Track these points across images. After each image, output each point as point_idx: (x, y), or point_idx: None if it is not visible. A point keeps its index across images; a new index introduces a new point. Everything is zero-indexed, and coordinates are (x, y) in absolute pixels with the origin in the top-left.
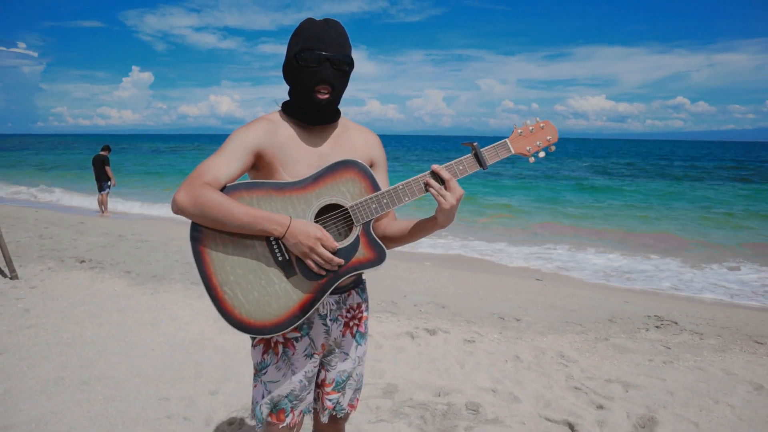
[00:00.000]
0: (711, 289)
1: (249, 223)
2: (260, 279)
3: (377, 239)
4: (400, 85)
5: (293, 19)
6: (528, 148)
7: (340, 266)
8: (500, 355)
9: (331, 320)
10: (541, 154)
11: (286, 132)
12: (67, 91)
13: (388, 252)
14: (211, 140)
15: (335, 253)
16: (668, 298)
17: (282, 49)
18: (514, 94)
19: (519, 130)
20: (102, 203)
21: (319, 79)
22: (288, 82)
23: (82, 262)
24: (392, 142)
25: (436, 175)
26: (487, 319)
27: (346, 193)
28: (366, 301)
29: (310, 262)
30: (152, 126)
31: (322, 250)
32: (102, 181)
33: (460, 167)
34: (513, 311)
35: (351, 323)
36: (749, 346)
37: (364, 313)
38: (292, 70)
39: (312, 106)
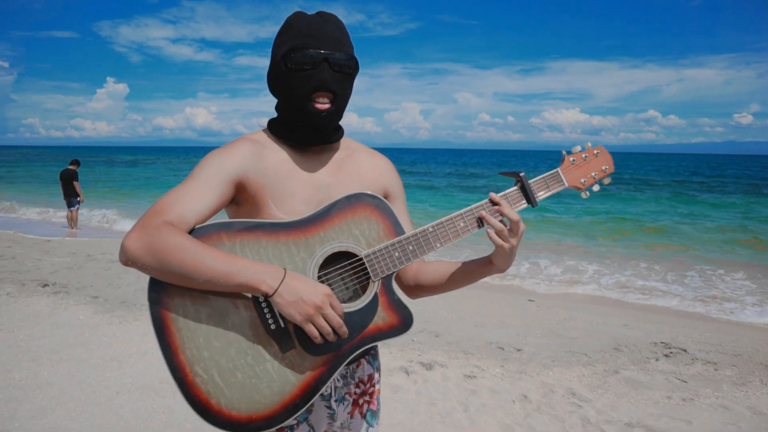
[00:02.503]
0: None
1: (226, 276)
2: (246, 355)
3: (401, 300)
4: (377, 98)
5: (271, 31)
6: (582, 180)
7: (354, 334)
8: (506, 394)
9: (336, 401)
10: (596, 188)
11: (277, 156)
12: (40, 102)
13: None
14: (187, 153)
15: (346, 318)
16: (667, 319)
17: (260, 62)
18: (491, 107)
19: (571, 158)
20: (71, 219)
21: (317, 84)
22: (275, 94)
23: (45, 286)
24: None
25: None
26: (486, 349)
27: (359, 237)
28: (379, 369)
29: (312, 330)
30: (128, 138)
31: (331, 312)
32: (71, 197)
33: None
34: (512, 339)
35: (361, 400)
36: None
37: (377, 386)
38: (280, 77)
39: (309, 120)
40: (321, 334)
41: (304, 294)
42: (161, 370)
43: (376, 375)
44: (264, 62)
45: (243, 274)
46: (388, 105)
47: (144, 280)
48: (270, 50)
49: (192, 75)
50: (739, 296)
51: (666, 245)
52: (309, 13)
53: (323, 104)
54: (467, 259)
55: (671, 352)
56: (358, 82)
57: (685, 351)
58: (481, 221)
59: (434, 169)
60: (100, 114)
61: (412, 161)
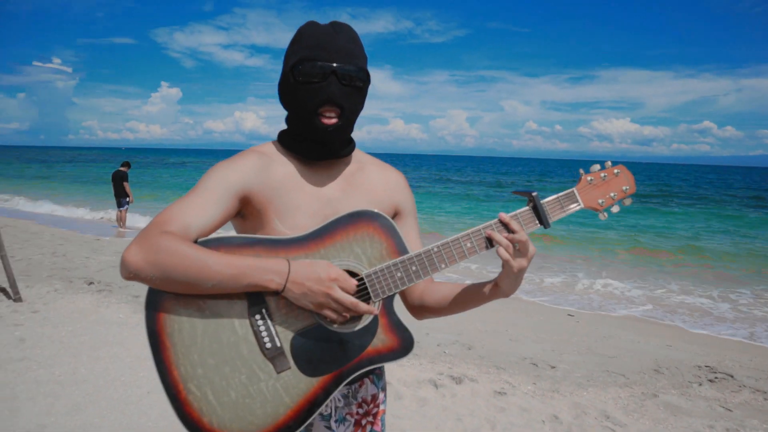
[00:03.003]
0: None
1: (233, 277)
2: (240, 374)
3: (401, 322)
4: (423, 104)
5: None
6: (600, 200)
7: (352, 356)
8: (536, 414)
9: (336, 421)
10: (615, 209)
11: (283, 169)
12: (98, 105)
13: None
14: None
15: (345, 338)
16: (714, 341)
17: None
18: (538, 115)
19: (589, 177)
20: (120, 219)
21: (324, 98)
22: (285, 105)
23: (90, 284)
24: (416, 161)
25: (501, 227)
26: (519, 365)
27: (361, 255)
28: (384, 389)
29: (330, 314)
30: (179, 140)
31: (341, 294)
32: (120, 197)
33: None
34: (546, 356)
35: (363, 421)
36: None
37: (381, 407)
38: (288, 88)
39: (315, 134)
40: (337, 314)
41: (311, 283)
42: None
43: (381, 395)
44: None
45: (250, 275)
46: (434, 112)
47: None
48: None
49: (242, 80)
50: None
51: (714, 264)
52: (322, 24)
53: (330, 119)
54: (473, 281)
55: (716, 377)
56: (406, 88)
57: (731, 377)
58: (489, 242)
59: (479, 176)
60: (154, 117)
61: (457, 168)
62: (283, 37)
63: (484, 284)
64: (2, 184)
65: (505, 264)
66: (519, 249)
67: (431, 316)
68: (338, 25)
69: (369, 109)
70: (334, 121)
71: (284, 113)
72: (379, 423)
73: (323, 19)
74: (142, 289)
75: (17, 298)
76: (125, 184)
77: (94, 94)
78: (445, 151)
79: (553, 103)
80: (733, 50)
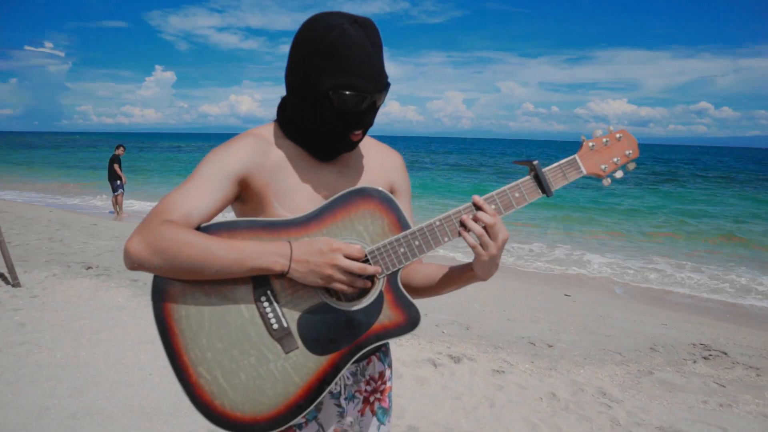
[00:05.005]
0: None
1: (237, 262)
2: (249, 356)
3: (407, 297)
4: (420, 86)
5: None
6: (603, 166)
7: (359, 333)
8: (534, 391)
9: (346, 399)
10: (619, 174)
11: (281, 152)
12: (92, 90)
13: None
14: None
15: (351, 316)
16: (709, 320)
17: None
18: (535, 96)
19: (590, 143)
20: (117, 204)
21: (357, 123)
22: (300, 105)
23: (89, 268)
24: (414, 143)
25: (475, 210)
26: (516, 344)
27: (363, 233)
28: (390, 365)
29: (339, 285)
30: (174, 125)
31: (346, 261)
32: (113, 181)
33: (516, 194)
34: (544, 335)
35: (371, 398)
36: None
37: (388, 383)
38: (318, 105)
39: (339, 147)
40: (349, 285)
41: (314, 258)
42: None
43: (388, 372)
44: None
45: (254, 258)
46: (431, 93)
47: None
48: (290, 45)
49: (237, 63)
50: None
51: (714, 242)
52: (353, 32)
53: (357, 135)
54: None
55: (710, 355)
56: (402, 70)
57: (725, 354)
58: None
59: (477, 158)
60: (148, 101)
61: (452, 150)
62: (278, 20)
63: (461, 268)
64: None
65: (474, 250)
66: (488, 234)
67: (416, 297)
68: (368, 28)
69: None
70: (360, 136)
71: (281, 97)
72: (387, 399)
73: (319, 0)
74: (141, 274)
75: (16, 284)
76: (115, 166)
77: (87, 79)
78: (442, 133)
79: (551, 84)
80: (732, 30)
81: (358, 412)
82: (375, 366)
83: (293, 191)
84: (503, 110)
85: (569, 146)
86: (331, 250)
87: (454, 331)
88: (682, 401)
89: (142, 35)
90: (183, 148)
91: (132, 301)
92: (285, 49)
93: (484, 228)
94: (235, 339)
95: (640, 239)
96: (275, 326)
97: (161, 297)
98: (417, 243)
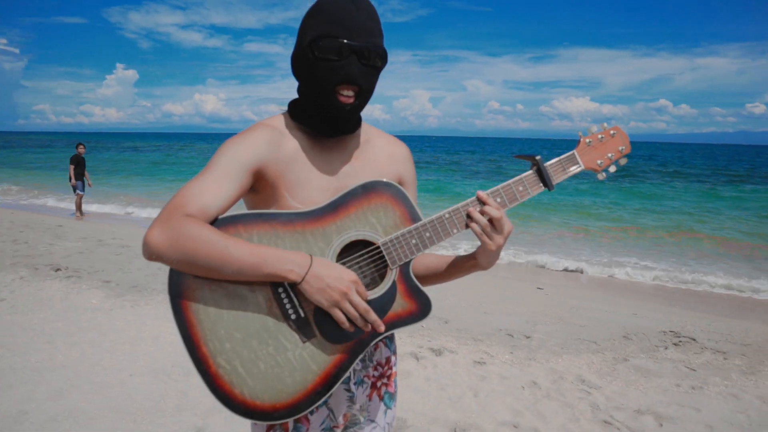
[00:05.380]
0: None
1: (254, 265)
2: (267, 345)
3: (419, 286)
4: (386, 85)
5: (280, 18)
6: (599, 161)
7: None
8: (515, 380)
9: (355, 384)
10: (612, 169)
11: (294, 144)
12: (50, 88)
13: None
14: (199, 139)
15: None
16: (676, 309)
17: (269, 49)
18: (500, 95)
19: (587, 139)
20: (77, 205)
21: (342, 77)
22: (299, 78)
23: (58, 270)
24: None
25: (480, 204)
26: (495, 336)
27: (376, 225)
28: (395, 352)
29: (339, 315)
30: (137, 124)
31: (357, 298)
32: (77, 181)
33: (520, 188)
34: (521, 327)
35: (379, 383)
36: None
37: (393, 369)
38: (305, 63)
39: (331, 111)
40: (349, 320)
41: (330, 281)
42: (173, 354)
43: (393, 358)
44: (273, 49)
45: (271, 264)
46: (398, 92)
47: (153, 266)
48: (297, 31)
49: (201, 61)
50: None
51: (671, 235)
52: None
53: (348, 97)
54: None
55: (680, 341)
56: None
57: (694, 340)
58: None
59: (443, 157)
60: (109, 100)
61: (420, 149)
62: (243, 18)
63: (464, 257)
64: None
65: (480, 240)
66: (495, 226)
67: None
68: (359, 0)
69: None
70: (351, 99)
71: (246, 96)
72: (393, 384)
73: None
74: (113, 275)
75: None
76: (71, 167)
77: (45, 77)
78: (408, 131)
79: (515, 82)
80: (689, 30)
81: (366, 396)
82: (382, 352)
83: (306, 183)
84: (469, 108)
85: (535, 144)
86: (351, 281)
87: (433, 325)
88: (657, 385)
89: (102, 32)
90: (141, 148)
91: (106, 303)
92: (250, 47)
93: (490, 221)
94: (254, 329)
95: (600, 234)
96: (293, 316)
97: (179, 289)
98: (428, 234)
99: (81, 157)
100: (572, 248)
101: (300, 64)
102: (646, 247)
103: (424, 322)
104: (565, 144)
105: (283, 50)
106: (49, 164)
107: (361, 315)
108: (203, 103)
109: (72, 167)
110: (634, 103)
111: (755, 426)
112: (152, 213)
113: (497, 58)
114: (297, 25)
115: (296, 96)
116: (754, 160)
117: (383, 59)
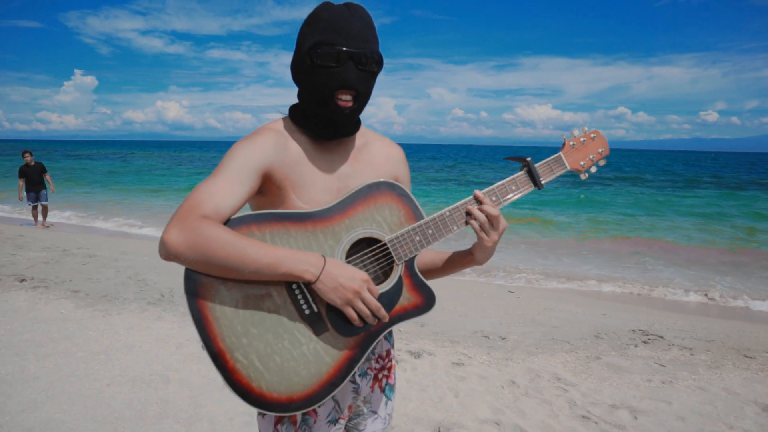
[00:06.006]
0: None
1: (270, 266)
2: (282, 340)
3: (423, 279)
4: None
5: (243, 24)
6: (582, 162)
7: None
8: (494, 380)
9: (360, 376)
10: (593, 169)
11: (298, 146)
12: (4, 94)
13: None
14: (159, 147)
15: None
16: (642, 309)
17: (233, 56)
18: (464, 102)
19: (571, 142)
20: (42, 214)
21: (341, 83)
22: (299, 84)
23: (23, 281)
24: None
25: (478, 203)
26: (471, 338)
27: (382, 223)
28: (393, 345)
29: (352, 313)
30: (96, 131)
31: (369, 296)
32: (38, 191)
33: (513, 187)
34: (496, 328)
35: (380, 375)
36: (741, 361)
37: (393, 361)
38: (305, 70)
39: (331, 116)
40: (361, 317)
41: (343, 280)
42: (151, 362)
43: (392, 351)
44: (237, 56)
45: (287, 264)
46: None
47: (123, 275)
48: (296, 39)
49: (163, 68)
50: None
51: (625, 240)
52: (336, 4)
53: (346, 102)
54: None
55: (649, 339)
56: None
57: (661, 338)
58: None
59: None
60: (67, 107)
61: None
62: (205, 24)
63: (461, 253)
64: None
65: (478, 236)
66: (492, 223)
67: None
68: (353, 7)
69: (294, 98)
70: (350, 104)
71: (210, 104)
72: (392, 376)
73: (248, 5)
74: (81, 285)
75: None
76: (20, 181)
77: None
78: None
79: (479, 90)
80: (645, 40)
81: (369, 388)
82: (383, 344)
83: (311, 184)
84: (433, 116)
85: (498, 150)
86: (363, 280)
87: (410, 328)
88: (629, 381)
89: (59, 37)
90: (93, 155)
91: (76, 313)
92: (213, 54)
93: (488, 218)
94: (269, 324)
95: (560, 240)
96: (306, 311)
97: (195, 287)
98: (430, 231)
99: (30, 167)
100: (538, 254)
101: (299, 71)
102: (601, 251)
103: (399, 326)
104: (525, 151)
105: (246, 57)
106: (0, 173)
107: (372, 312)
108: (165, 110)
109: (21, 181)
110: (595, 111)
111: (722, 415)
112: (120, 223)
113: (461, 66)
114: (261, 32)
115: (293, 100)
116: (709, 166)
117: (379, 64)
